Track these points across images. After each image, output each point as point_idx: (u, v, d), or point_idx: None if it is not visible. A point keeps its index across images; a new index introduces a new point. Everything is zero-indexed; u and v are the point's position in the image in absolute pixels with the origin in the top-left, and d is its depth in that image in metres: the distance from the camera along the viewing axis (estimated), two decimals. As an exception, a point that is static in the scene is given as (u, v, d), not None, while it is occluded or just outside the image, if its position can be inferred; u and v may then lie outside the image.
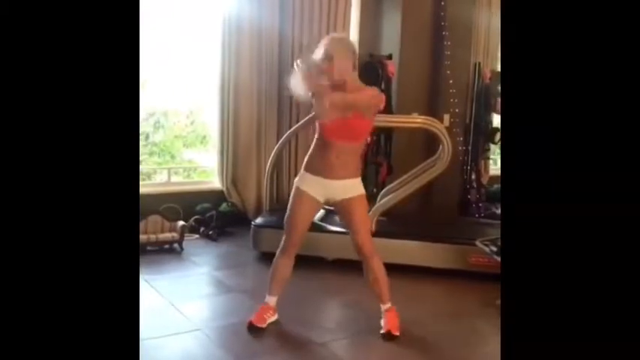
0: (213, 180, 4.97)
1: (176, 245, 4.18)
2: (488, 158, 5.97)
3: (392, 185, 4.16)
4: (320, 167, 2.68)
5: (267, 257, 3.96)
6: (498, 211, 5.03)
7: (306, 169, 2.73)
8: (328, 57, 2.52)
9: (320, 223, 3.86)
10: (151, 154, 5.14)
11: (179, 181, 4.99)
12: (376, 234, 3.83)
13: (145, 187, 4.71)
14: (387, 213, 3.97)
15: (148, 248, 4.06)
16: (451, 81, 4.84)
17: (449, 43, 4.81)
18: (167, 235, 4.15)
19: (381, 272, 2.78)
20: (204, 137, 5.22)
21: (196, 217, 4.60)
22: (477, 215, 5.15)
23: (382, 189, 4.29)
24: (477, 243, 3.53)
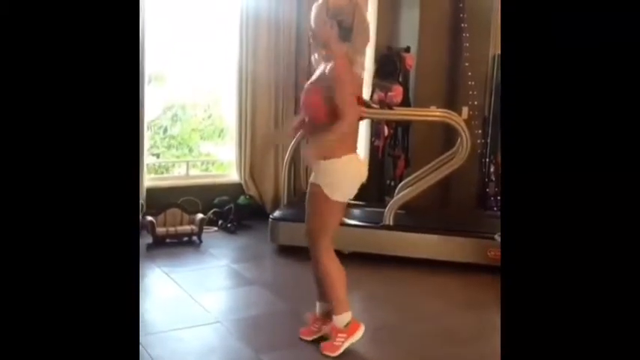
0: (231, 173, 5.00)
1: (195, 238, 4.21)
2: (507, 151, 5.91)
3: (410, 178, 4.14)
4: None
5: (284, 250, 3.98)
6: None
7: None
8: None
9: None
10: (169, 147, 5.18)
11: (198, 174, 5.03)
12: (394, 227, 3.85)
13: (164, 180, 4.76)
14: (405, 206, 3.96)
15: (167, 240, 4.10)
16: (470, 73, 4.80)
17: (468, 34, 4.77)
18: (186, 228, 4.19)
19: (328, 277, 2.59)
20: (222, 130, 5.24)
21: (215, 209, 4.63)
22: (495, 209, 5.11)
23: (400, 182, 4.28)
24: (496, 237, 3.51)
